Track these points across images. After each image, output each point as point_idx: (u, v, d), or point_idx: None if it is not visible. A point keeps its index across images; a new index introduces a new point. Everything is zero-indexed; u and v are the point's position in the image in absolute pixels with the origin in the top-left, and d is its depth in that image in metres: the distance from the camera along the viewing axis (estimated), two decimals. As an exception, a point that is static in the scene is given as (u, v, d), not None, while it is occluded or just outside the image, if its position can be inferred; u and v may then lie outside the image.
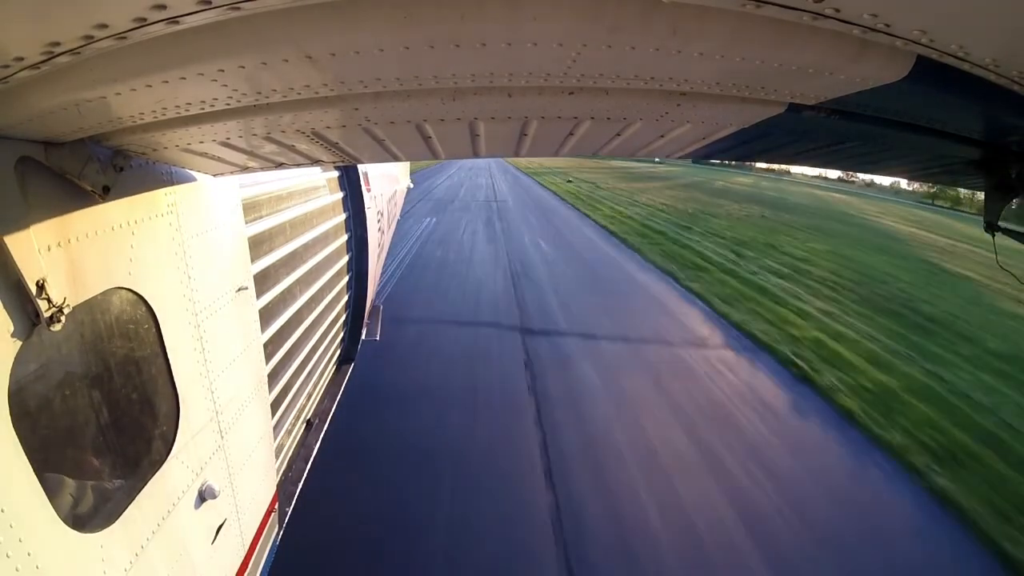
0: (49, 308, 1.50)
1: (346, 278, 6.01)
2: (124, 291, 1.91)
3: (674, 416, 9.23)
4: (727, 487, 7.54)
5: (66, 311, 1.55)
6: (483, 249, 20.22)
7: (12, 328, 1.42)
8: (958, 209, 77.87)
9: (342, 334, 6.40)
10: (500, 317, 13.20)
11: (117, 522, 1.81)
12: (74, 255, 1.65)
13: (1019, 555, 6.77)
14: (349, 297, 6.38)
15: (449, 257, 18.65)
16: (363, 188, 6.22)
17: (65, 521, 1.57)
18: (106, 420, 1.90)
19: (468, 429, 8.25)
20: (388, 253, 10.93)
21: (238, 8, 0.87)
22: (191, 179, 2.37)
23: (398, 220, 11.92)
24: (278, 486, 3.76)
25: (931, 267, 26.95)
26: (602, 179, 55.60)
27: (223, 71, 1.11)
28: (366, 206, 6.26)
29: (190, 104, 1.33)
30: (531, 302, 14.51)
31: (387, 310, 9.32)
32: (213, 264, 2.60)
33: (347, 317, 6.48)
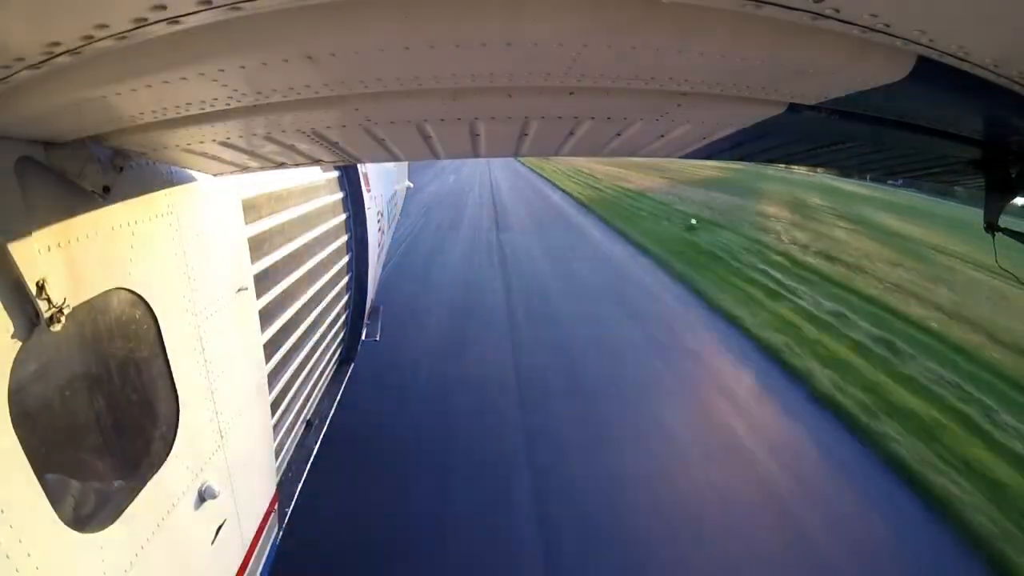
0: (49, 308, 1.49)
1: (346, 278, 6.00)
2: (124, 291, 1.91)
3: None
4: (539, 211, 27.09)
5: (66, 311, 1.55)
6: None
7: (12, 328, 1.42)
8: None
9: (342, 334, 6.39)
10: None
11: (117, 522, 1.80)
12: (74, 255, 1.64)
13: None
14: (349, 297, 6.37)
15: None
16: (363, 188, 6.21)
17: (65, 521, 1.56)
18: (106, 420, 1.90)
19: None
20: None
21: (238, 8, 0.87)
22: (191, 179, 2.36)
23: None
24: (278, 486, 3.76)
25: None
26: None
27: (223, 71, 1.11)
28: (366, 206, 6.26)
29: (190, 104, 1.32)
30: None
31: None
32: (213, 264, 2.60)
33: (347, 317, 6.47)
